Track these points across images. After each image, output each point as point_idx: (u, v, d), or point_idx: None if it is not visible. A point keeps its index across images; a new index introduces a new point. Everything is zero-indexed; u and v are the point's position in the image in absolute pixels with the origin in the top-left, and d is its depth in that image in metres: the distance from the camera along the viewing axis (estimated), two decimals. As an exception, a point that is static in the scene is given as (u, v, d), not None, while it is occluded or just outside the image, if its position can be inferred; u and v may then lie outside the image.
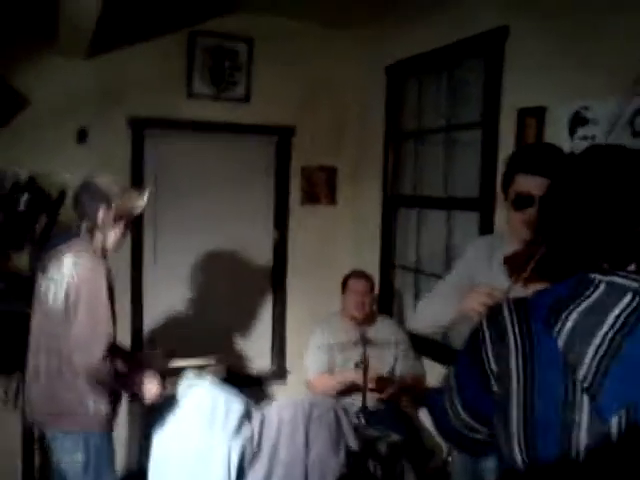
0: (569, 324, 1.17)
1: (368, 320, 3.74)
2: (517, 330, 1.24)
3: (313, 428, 2.85)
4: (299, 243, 4.51)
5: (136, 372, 2.77)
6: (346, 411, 2.96)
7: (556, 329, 1.18)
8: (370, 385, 3.35)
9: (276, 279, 4.54)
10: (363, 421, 2.96)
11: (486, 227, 3.20)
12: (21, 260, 3.60)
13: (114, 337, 2.59)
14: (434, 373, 3.60)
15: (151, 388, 2.75)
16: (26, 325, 2.71)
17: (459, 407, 1.36)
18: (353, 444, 2.87)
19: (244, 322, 4.50)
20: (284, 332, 4.58)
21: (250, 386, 4.16)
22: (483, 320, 1.32)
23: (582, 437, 1.15)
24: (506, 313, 1.27)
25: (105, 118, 3.94)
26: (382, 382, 3.48)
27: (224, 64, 4.21)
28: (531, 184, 1.96)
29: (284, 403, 3.09)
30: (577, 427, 1.16)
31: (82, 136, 3.91)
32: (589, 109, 2.64)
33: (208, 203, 4.27)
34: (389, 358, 3.69)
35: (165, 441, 2.99)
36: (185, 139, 4.21)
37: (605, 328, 1.15)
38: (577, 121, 2.69)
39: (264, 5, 3.97)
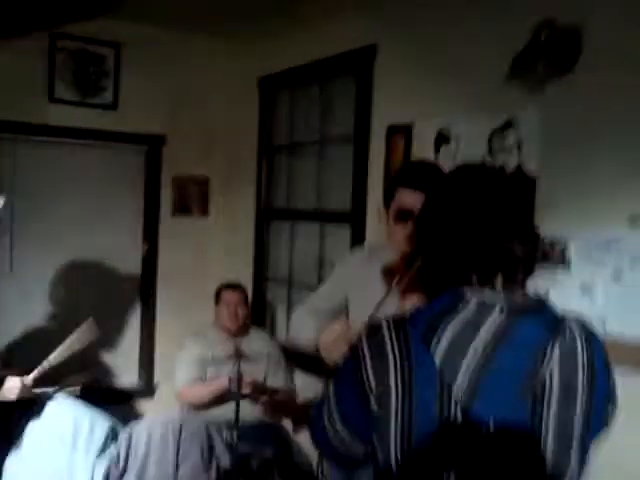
0: (444, 341, 1.20)
1: (241, 332, 3.71)
2: (396, 348, 1.25)
3: (184, 446, 2.78)
4: (169, 254, 4.41)
5: None
6: (218, 428, 2.90)
7: (432, 346, 1.21)
8: (245, 391, 3.28)
9: (145, 291, 4.41)
10: (235, 437, 2.89)
11: (358, 240, 3.26)
12: None
13: None
14: (308, 386, 3.62)
15: (12, 386, 2.58)
16: None
17: (337, 421, 1.35)
18: (225, 461, 2.82)
19: (110, 335, 4.32)
20: (153, 345, 4.45)
21: (117, 402, 4.01)
22: (362, 336, 1.32)
23: (457, 451, 1.20)
24: (385, 330, 1.28)
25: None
26: (257, 389, 3.41)
27: (89, 69, 4.07)
28: (411, 199, 2.00)
29: (153, 421, 2.99)
30: (452, 442, 1.20)
31: None
32: (450, 127, 2.76)
33: (73, 212, 4.11)
34: (261, 371, 3.64)
35: (22, 464, 2.81)
36: (48, 145, 4.03)
37: (477, 342, 1.20)
38: (440, 139, 2.81)
39: (131, 12, 3.85)
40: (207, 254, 4.51)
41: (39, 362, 3.68)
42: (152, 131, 4.28)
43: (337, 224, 3.54)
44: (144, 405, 4.39)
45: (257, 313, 4.12)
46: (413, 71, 3.02)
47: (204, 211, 4.52)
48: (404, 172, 2.18)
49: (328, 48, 3.51)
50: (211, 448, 2.83)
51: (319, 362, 3.18)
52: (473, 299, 1.24)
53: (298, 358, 3.72)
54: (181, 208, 4.44)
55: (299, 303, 3.82)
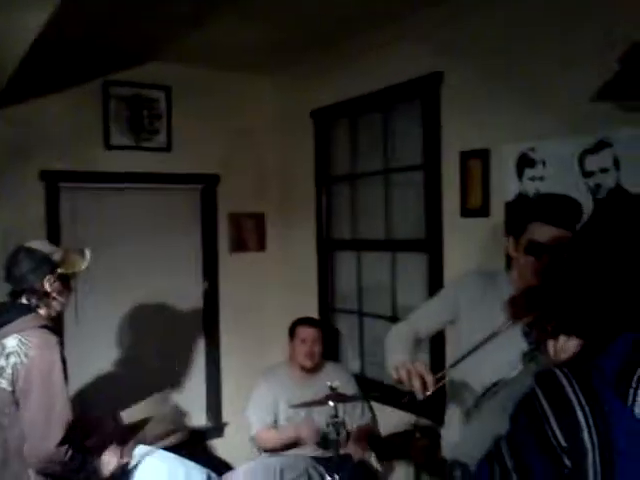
0: None
1: (316, 368, 3.64)
2: (583, 400, 1.20)
3: (287, 492, 2.72)
4: (230, 291, 4.40)
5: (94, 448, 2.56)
6: (315, 467, 2.84)
7: (630, 396, 1.16)
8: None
9: (208, 330, 4.40)
10: (338, 478, 2.82)
11: (436, 267, 3.22)
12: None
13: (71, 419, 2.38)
14: (388, 417, 3.57)
15: (110, 461, 2.54)
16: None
17: None
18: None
19: (177, 376, 4.31)
20: (219, 383, 4.42)
21: (187, 443, 3.96)
22: (537, 390, 1.27)
23: None
24: (564, 381, 1.23)
25: (16, 172, 3.73)
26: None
27: (142, 113, 4.10)
28: (548, 234, 2.00)
29: (251, 467, 2.93)
30: None
31: (-9, 191, 3.65)
32: (535, 150, 2.72)
33: (134, 256, 4.13)
34: (340, 406, 3.54)
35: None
36: (106, 191, 4.04)
37: None
38: (524, 162, 2.77)
39: (179, 55, 3.90)
40: (266, 289, 4.49)
41: (110, 407, 3.68)
42: (207, 170, 4.29)
43: (409, 252, 3.48)
44: (214, 444, 4.36)
45: (327, 345, 4.05)
46: (485, 96, 2.98)
47: (261, 246, 4.51)
48: (541, 206, 2.14)
49: (387, 77, 3.49)
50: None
51: (396, 393, 3.12)
52: None
53: (376, 389, 3.67)
54: (238, 244, 4.43)
55: (372, 333, 3.81)
